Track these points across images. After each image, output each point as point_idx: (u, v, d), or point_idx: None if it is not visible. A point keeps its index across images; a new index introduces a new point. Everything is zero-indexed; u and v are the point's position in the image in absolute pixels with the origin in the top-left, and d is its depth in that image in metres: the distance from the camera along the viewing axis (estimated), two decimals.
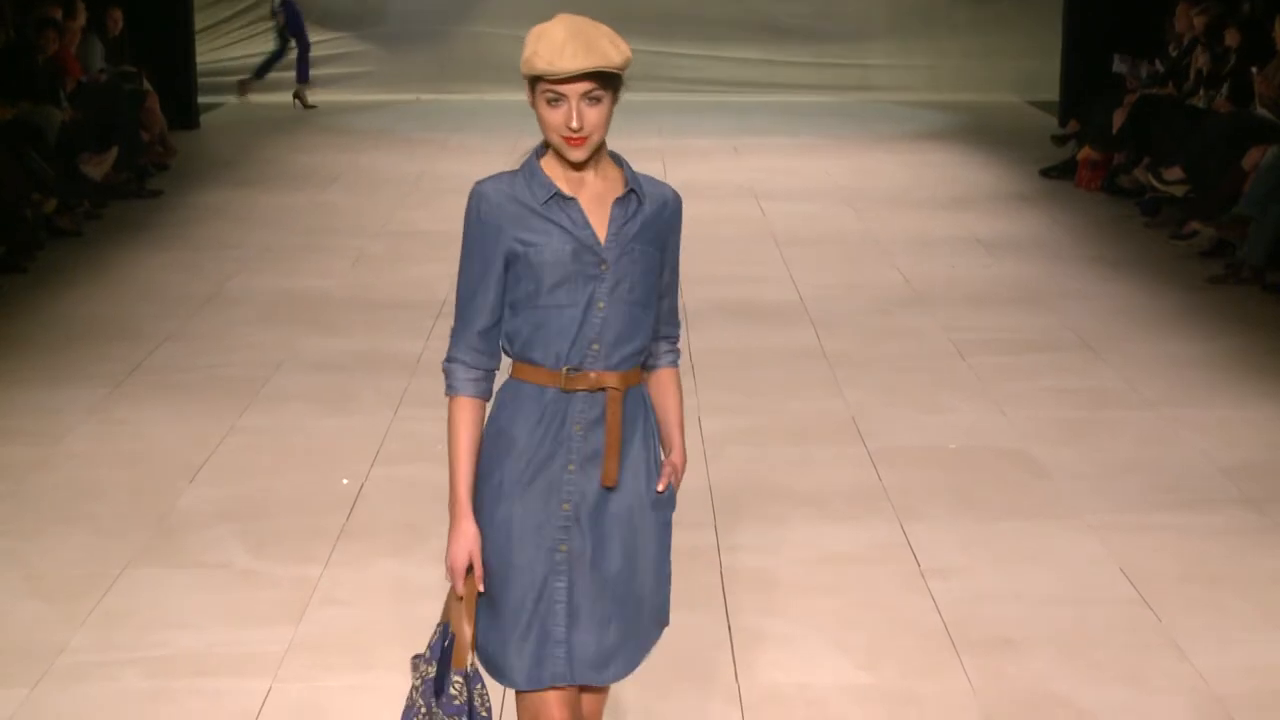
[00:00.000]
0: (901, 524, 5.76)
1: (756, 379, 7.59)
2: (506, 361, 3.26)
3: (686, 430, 3.44)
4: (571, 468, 3.19)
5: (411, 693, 3.24)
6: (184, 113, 15.75)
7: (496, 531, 3.19)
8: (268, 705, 4.44)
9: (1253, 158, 9.87)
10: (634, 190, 3.19)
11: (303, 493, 6.08)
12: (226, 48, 19.31)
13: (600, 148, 3.15)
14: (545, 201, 3.15)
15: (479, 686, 3.19)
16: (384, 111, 18.09)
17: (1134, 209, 11.70)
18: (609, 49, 3.05)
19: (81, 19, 12.62)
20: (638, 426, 3.25)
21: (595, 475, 3.20)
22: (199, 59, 16.97)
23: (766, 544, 5.59)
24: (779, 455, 6.54)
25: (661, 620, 3.34)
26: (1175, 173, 11.06)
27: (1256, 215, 9.45)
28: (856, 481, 6.22)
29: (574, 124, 3.07)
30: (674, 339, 3.38)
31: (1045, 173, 13.37)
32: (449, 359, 3.23)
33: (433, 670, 3.20)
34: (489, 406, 3.25)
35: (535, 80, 3.08)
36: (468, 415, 3.21)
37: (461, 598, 3.19)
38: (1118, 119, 12.40)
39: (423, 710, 3.19)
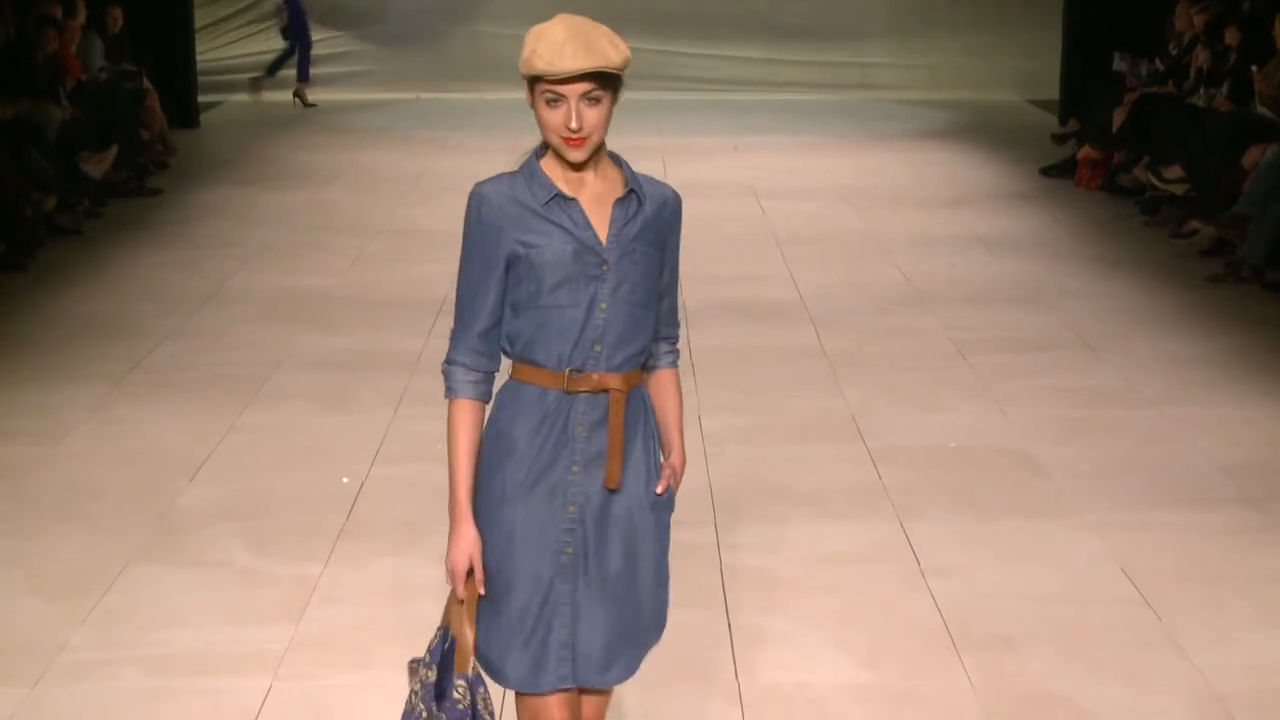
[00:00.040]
0: (901, 523, 5.76)
1: (757, 378, 7.60)
2: (506, 363, 3.25)
3: (686, 429, 3.44)
4: (575, 470, 3.18)
5: (411, 697, 3.22)
6: (184, 111, 15.75)
7: (500, 535, 3.18)
8: (268, 704, 4.44)
9: (1253, 156, 9.87)
10: (634, 191, 3.19)
11: (303, 491, 6.08)
12: (226, 46, 19.31)
13: (600, 148, 3.15)
14: (546, 202, 3.14)
15: (482, 690, 3.18)
16: (384, 110, 18.10)
17: (1134, 208, 11.70)
18: (608, 49, 3.04)
19: (81, 17, 12.62)
20: (639, 428, 3.24)
21: (599, 477, 3.19)
22: (199, 57, 16.97)
23: (766, 543, 5.59)
24: (779, 454, 6.54)
25: (660, 622, 3.33)
26: (1175, 171, 11.06)
27: (1256, 214, 9.45)
28: (856, 480, 6.22)
29: (573, 124, 3.06)
30: (674, 339, 3.37)
31: (1045, 171, 13.37)
32: (448, 361, 3.22)
33: (433, 675, 3.18)
34: (488, 408, 3.25)
35: (534, 80, 3.07)
36: (467, 418, 3.20)
37: (462, 601, 3.18)
38: (1118, 118, 12.40)
39: (423, 715, 3.16)
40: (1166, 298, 9.15)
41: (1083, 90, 14.46)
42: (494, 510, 3.19)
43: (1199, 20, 12.23)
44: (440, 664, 3.18)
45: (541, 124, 3.10)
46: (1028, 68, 18.58)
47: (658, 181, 3.28)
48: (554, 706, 3.20)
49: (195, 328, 8.46)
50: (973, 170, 13.85)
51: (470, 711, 3.15)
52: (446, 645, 3.19)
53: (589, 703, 3.31)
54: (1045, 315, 8.76)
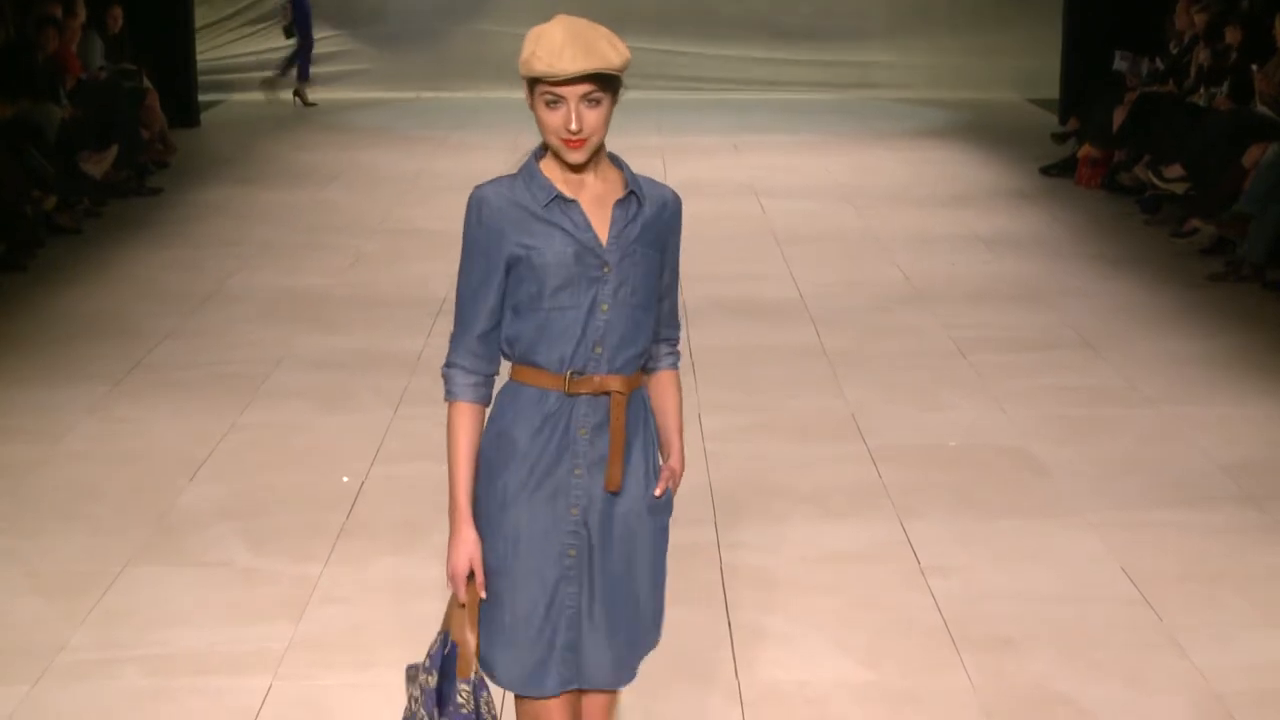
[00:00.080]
0: (902, 522, 5.76)
1: (757, 377, 7.59)
2: (505, 365, 3.25)
3: (686, 428, 3.43)
4: (578, 472, 3.17)
5: (410, 703, 3.20)
6: (184, 110, 15.75)
7: (503, 538, 3.17)
8: (268, 703, 4.44)
9: (1253, 155, 9.86)
10: (634, 192, 3.18)
11: (303, 491, 6.08)
12: (227, 46, 19.31)
13: (599, 149, 3.14)
14: (546, 204, 3.14)
15: (485, 695, 3.17)
16: (384, 109, 18.10)
17: (1134, 207, 11.70)
18: (608, 51, 3.03)
19: (81, 16, 12.61)
20: (639, 430, 3.23)
21: (601, 479, 3.18)
22: (199, 57, 16.97)
23: (766, 542, 5.59)
24: (779, 453, 6.54)
25: (657, 625, 3.32)
26: (1175, 170, 11.06)
27: (1256, 213, 9.45)
28: (857, 479, 6.22)
29: (573, 126, 3.05)
30: (674, 341, 3.36)
31: (1045, 170, 13.37)
32: (448, 364, 3.21)
33: (434, 680, 3.16)
34: (488, 410, 3.24)
35: (534, 82, 3.06)
36: (467, 421, 3.19)
37: (464, 605, 3.17)
38: (1118, 117, 12.40)
39: None
40: (1167, 297, 9.15)
41: (1083, 89, 14.45)
42: (497, 513, 3.18)
43: (1199, 19, 12.23)
44: (441, 669, 3.17)
45: (541, 126, 3.09)
46: (1028, 67, 18.57)
47: (657, 183, 3.27)
48: (555, 710, 3.20)
49: (195, 327, 8.46)
50: (973, 169, 13.85)
51: (474, 716, 3.14)
52: (447, 650, 3.18)
53: (594, 704, 3.29)
54: (1045, 314, 8.76)
